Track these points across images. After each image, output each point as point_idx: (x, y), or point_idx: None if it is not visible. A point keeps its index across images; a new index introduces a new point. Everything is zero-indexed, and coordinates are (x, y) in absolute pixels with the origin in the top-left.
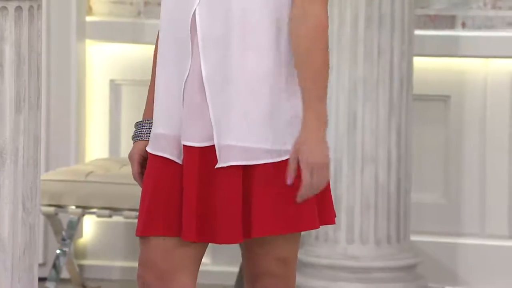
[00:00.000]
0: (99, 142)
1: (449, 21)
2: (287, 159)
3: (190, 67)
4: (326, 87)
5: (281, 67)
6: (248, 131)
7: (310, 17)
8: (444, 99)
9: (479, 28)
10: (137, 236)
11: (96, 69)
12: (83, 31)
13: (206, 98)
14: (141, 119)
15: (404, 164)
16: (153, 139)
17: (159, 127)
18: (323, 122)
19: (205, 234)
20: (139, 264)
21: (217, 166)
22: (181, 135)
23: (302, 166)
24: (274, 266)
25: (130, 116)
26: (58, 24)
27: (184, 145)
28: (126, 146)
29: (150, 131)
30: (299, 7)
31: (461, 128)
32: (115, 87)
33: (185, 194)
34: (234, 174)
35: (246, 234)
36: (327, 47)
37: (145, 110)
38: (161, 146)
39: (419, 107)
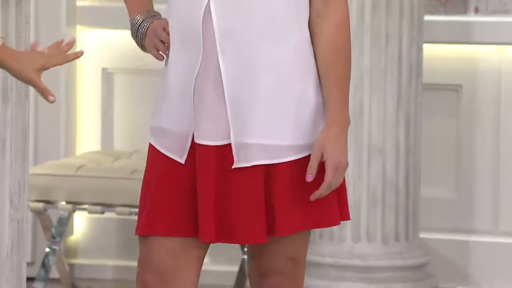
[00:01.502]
0: (90, 134)
1: (461, 6)
2: (307, 156)
3: (201, 61)
4: (349, 83)
5: (303, 59)
6: (269, 127)
7: (334, 11)
8: (455, 88)
9: (493, 13)
10: (137, 234)
11: (87, 57)
12: (74, 17)
13: (221, 93)
14: (136, 21)
15: (413, 157)
16: (157, 132)
17: (163, 121)
18: (347, 120)
19: (223, 234)
20: (138, 264)
21: (237, 165)
22: (191, 133)
23: (328, 165)
24: (284, 265)
25: (123, 107)
26: (47, 9)
27: (197, 144)
28: (119, 138)
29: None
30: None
31: (474, 119)
32: (107, 76)
33: (201, 195)
34: (256, 173)
35: (270, 233)
36: (350, 40)
37: (131, 7)
38: (165, 144)
39: (429, 97)
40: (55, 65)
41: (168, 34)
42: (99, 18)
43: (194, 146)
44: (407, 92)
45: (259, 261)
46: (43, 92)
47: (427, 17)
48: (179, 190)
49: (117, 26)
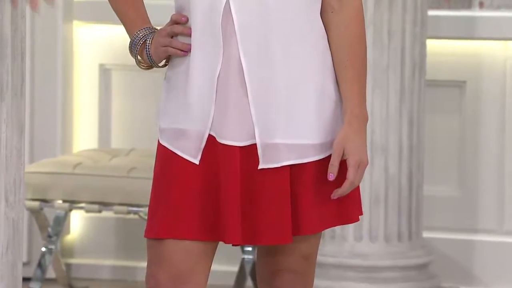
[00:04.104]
0: (87, 131)
1: (466, 1)
2: (327, 157)
3: (222, 61)
4: (366, 78)
5: (320, 55)
6: (293, 126)
7: (349, 4)
8: (459, 85)
9: (498, 8)
10: (150, 237)
11: (84, 53)
12: (71, 11)
13: (244, 93)
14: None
15: (416, 155)
16: (171, 133)
17: (178, 123)
18: (366, 116)
19: (248, 236)
20: (151, 263)
21: (264, 166)
22: (207, 132)
23: (350, 162)
24: (298, 263)
25: (121, 103)
26: (43, 4)
27: (220, 144)
28: (117, 135)
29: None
30: None
31: (478, 116)
32: (104, 72)
33: (227, 196)
34: (282, 173)
35: (293, 232)
36: (365, 33)
37: (130, 26)
38: (180, 145)
39: (432, 93)
40: None
41: (182, 25)
42: (96, 13)
43: (209, 146)
44: (410, 89)
45: (272, 259)
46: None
47: (431, 12)
48: (195, 192)
49: (115, 21)
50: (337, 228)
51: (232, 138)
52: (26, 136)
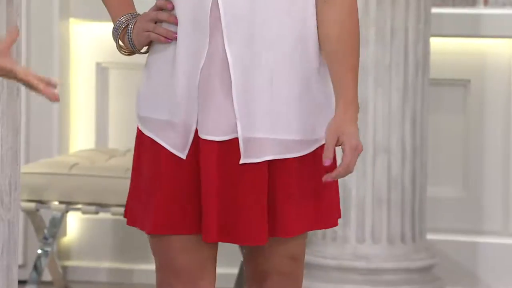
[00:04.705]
0: (84, 131)
1: None
2: (313, 151)
3: (207, 51)
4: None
5: (311, 49)
6: (278, 122)
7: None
8: (463, 83)
9: (503, 5)
10: (148, 233)
11: (81, 51)
12: (67, 9)
13: (228, 86)
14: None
15: (419, 155)
16: (156, 123)
17: (163, 113)
18: (358, 107)
19: (227, 234)
20: (163, 269)
21: (245, 161)
22: (193, 126)
23: (346, 146)
24: (285, 264)
25: (118, 103)
26: (39, 1)
27: (201, 139)
28: (114, 135)
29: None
30: None
31: (482, 116)
32: (101, 71)
33: (204, 193)
34: (260, 169)
35: (271, 233)
36: (359, 25)
37: (114, 13)
38: (167, 137)
39: (436, 92)
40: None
41: (167, 12)
42: (93, 11)
43: (196, 141)
44: (414, 88)
45: (258, 261)
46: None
47: (434, 10)
48: (183, 185)
49: None
50: (339, 230)
51: (211, 133)
52: (22, 136)
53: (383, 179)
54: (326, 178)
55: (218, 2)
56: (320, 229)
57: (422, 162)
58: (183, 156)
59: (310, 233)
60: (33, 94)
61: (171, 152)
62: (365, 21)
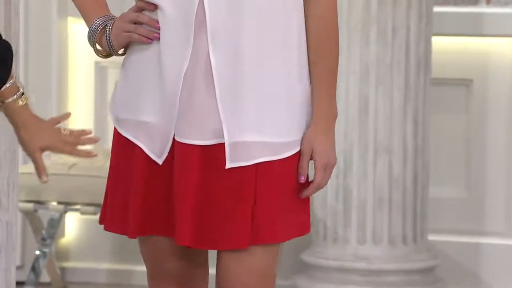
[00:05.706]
0: None
1: None
2: (296, 153)
3: (191, 55)
4: (337, 74)
5: (294, 52)
6: (263, 124)
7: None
8: (466, 83)
9: (505, 4)
10: (131, 238)
11: (79, 50)
12: (65, 8)
13: (211, 90)
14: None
15: (421, 155)
16: (133, 125)
17: (142, 114)
18: (335, 114)
19: (204, 240)
20: (156, 278)
21: (232, 165)
22: (173, 130)
23: (317, 165)
24: (250, 280)
25: None
26: (37, 0)
27: (178, 142)
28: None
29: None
30: None
31: (485, 115)
32: (100, 70)
33: (179, 197)
34: (247, 172)
35: (252, 240)
36: (338, 27)
37: (88, 15)
38: (144, 138)
39: (438, 92)
40: (61, 152)
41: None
42: None
43: (174, 146)
44: (415, 87)
45: (222, 275)
46: (39, 171)
47: (436, 8)
48: (161, 189)
49: None
50: (340, 231)
51: (194, 137)
52: None
53: (384, 179)
54: (302, 195)
55: (204, 2)
56: (295, 237)
57: (424, 162)
58: (160, 162)
59: (311, 234)
60: (31, 93)
61: (144, 155)
62: (367, 20)
